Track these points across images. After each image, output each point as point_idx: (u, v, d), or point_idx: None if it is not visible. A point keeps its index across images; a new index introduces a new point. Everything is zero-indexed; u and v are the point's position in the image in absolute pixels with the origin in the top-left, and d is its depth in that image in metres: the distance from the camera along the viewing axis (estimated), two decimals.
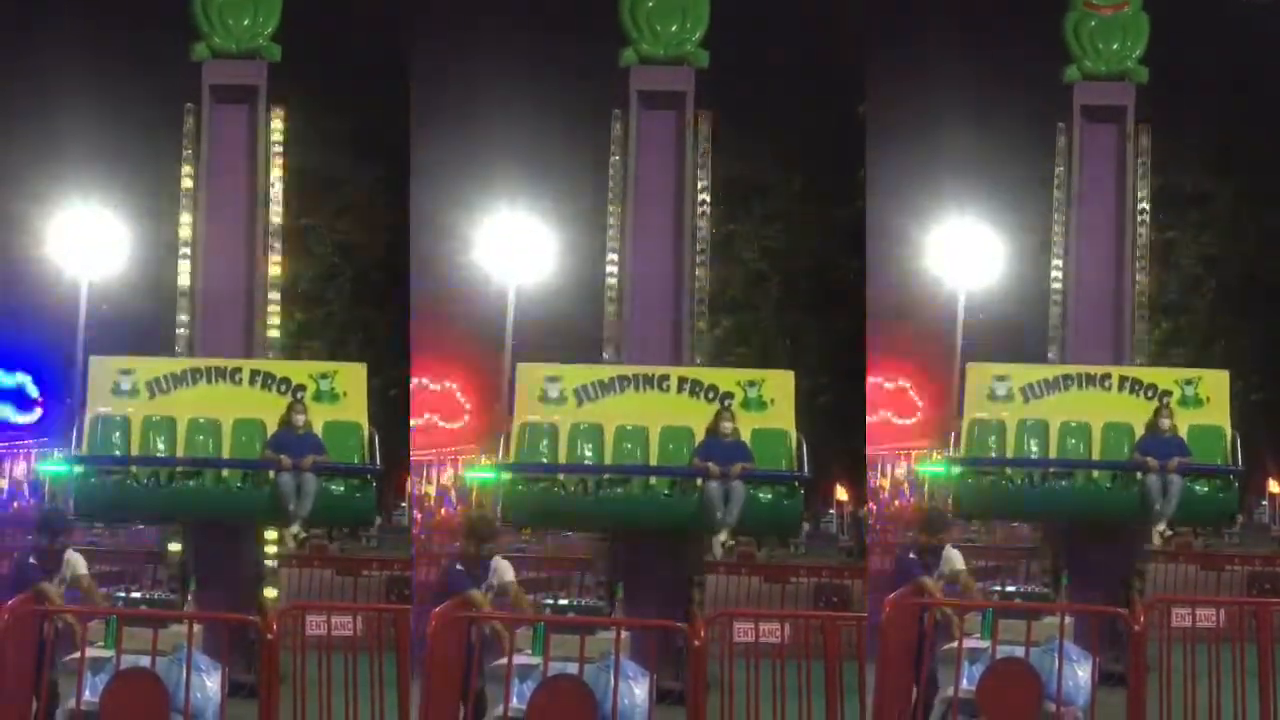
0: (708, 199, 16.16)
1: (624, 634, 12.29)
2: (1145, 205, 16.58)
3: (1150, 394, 15.39)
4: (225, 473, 14.81)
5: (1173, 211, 20.08)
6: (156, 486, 14.69)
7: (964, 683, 12.63)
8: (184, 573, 15.08)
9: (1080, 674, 12.66)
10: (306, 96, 16.37)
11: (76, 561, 13.09)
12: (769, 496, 14.90)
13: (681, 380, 15.18)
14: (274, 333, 15.79)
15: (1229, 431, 15.45)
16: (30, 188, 16.43)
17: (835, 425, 20.76)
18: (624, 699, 11.99)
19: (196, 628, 12.46)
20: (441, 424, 17.12)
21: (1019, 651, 12.62)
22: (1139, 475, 15.15)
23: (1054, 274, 16.61)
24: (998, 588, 15.16)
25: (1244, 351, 21.03)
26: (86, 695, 12.30)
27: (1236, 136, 20.47)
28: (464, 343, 16.42)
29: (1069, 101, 16.56)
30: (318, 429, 14.86)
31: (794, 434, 15.04)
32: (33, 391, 16.55)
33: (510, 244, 16.23)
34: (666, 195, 16.23)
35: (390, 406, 21.05)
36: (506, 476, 14.90)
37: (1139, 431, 15.40)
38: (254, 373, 14.97)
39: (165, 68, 16.22)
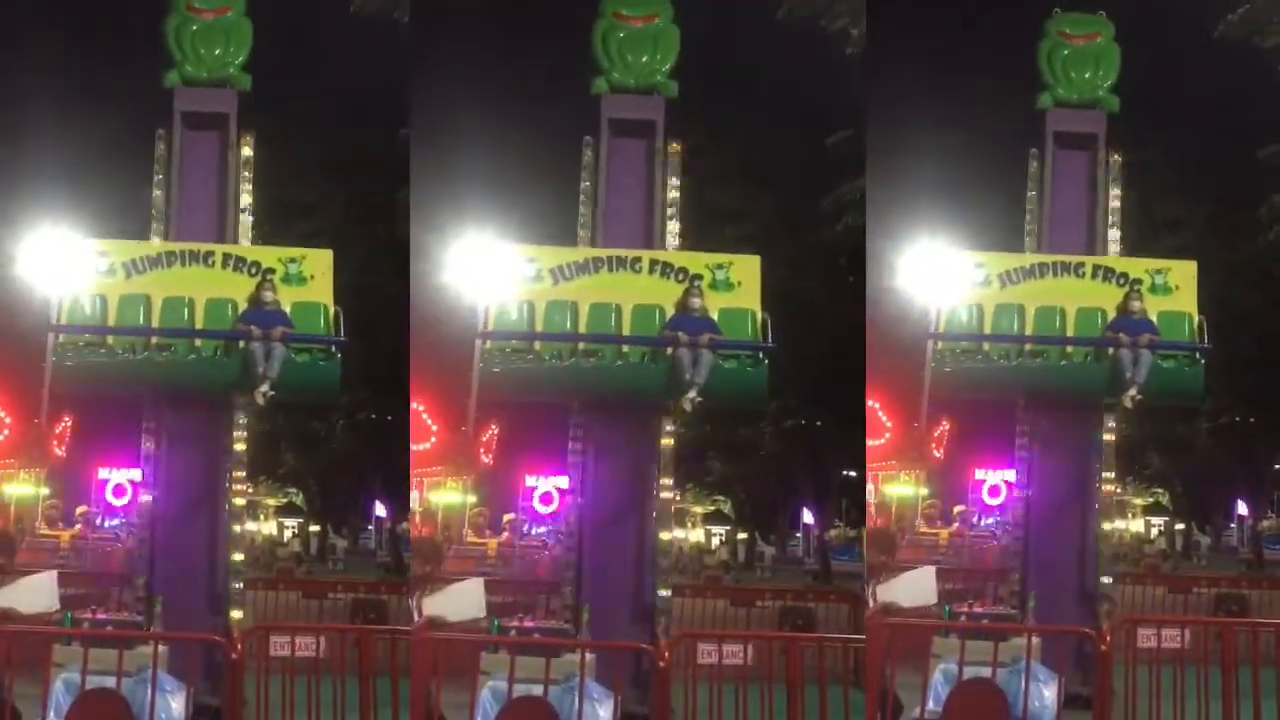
0: (677, 226, 16.23)
1: (589, 656, 12.28)
2: (1116, 231, 16.66)
3: (1122, 281, 15.95)
4: (198, 343, 15.31)
5: (1143, 238, 20.16)
6: (133, 357, 15.17)
7: (930, 703, 12.65)
8: (150, 593, 15.05)
9: (1046, 694, 12.73)
10: (276, 125, 16.41)
11: None
12: (735, 365, 15.37)
13: (653, 262, 15.67)
14: None
15: (1196, 317, 15.93)
16: (1, 212, 16.40)
17: (805, 448, 20.86)
18: None
19: (162, 649, 12.45)
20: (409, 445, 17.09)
21: (986, 672, 12.64)
22: (1110, 351, 15.67)
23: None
24: (965, 609, 15.15)
25: (1214, 376, 21.13)
26: (50, 716, 12.26)
27: (1206, 164, 20.59)
28: (432, 364, 16.39)
29: (1041, 128, 16.65)
30: (286, 309, 15.41)
31: (760, 313, 15.55)
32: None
33: (481, 268, 16.21)
34: (636, 221, 16.30)
35: (360, 431, 21.13)
36: (486, 346, 15.33)
37: (1111, 316, 15.93)
38: (226, 256, 15.46)
39: (137, 94, 16.25)
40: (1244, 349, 20.88)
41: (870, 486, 17.63)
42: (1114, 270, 16.02)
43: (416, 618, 13.10)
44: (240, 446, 15.82)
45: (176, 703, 12.32)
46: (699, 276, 15.55)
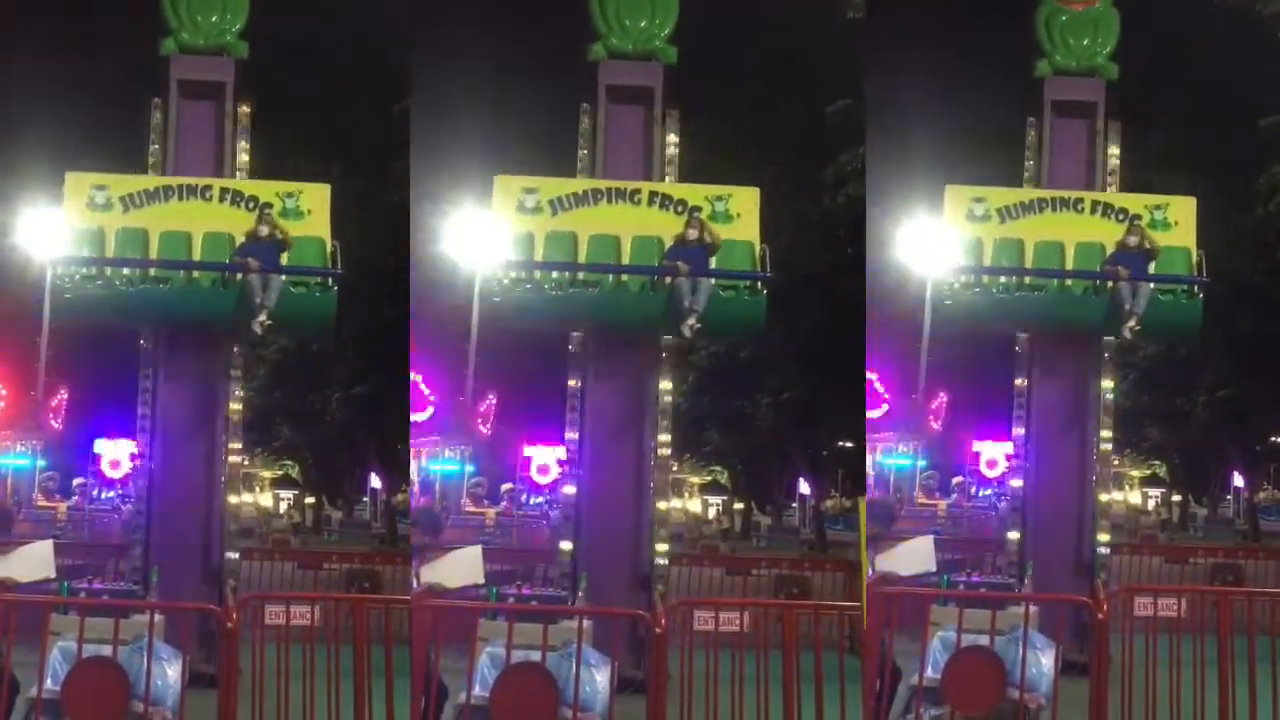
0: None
1: (586, 623, 12.29)
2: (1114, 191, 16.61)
3: (1121, 217, 16.00)
4: (196, 274, 15.34)
5: None
6: (131, 289, 15.21)
7: (928, 670, 12.64)
8: (146, 564, 15.05)
9: (1044, 662, 12.71)
10: (274, 94, 16.35)
11: None
12: (733, 294, 15.48)
13: (652, 194, 15.75)
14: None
15: (1195, 252, 15.96)
16: None
17: (801, 419, 20.87)
18: (586, 686, 12.02)
19: (158, 618, 12.44)
20: None
21: (983, 640, 12.65)
22: (1110, 285, 15.76)
23: None
24: (963, 578, 15.17)
25: (1214, 349, 21.12)
26: (48, 683, 12.26)
27: (1206, 134, 20.53)
28: (429, 335, 16.37)
29: (1039, 96, 16.59)
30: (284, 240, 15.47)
31: (759, 244, 15.63)
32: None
33: (476, 236, 16.19)
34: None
35: (356, 404, 21.14)
36: (486, 280, 15.40)
37: (1110, 251, 15.95)
38: (223, 190, 15.51)
39: (133, 62, 16.18)
40: (1243, 321, 20.89)
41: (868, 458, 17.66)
42: (1113, 206, 16.06)
43: (415, 585, 13.09)
44: (236, 419, 15.82)
45: (172, 670, 12.30)
46: (698, 208, 15.64)
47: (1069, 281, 15.94)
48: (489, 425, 17.85)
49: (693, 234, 15.51)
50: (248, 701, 12.36)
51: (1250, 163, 21.13)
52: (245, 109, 15.91)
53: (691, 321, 15.35)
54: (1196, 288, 15.84)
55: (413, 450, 16.60)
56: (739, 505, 21.13)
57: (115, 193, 15.43)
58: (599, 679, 12.11)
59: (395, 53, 16.44)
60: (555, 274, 15.50)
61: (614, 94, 16.13)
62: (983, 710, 12.65)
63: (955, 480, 18.36)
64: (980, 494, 18.25)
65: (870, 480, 17.46)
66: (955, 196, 16.12)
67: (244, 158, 15.91)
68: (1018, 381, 16.56)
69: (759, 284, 15.56)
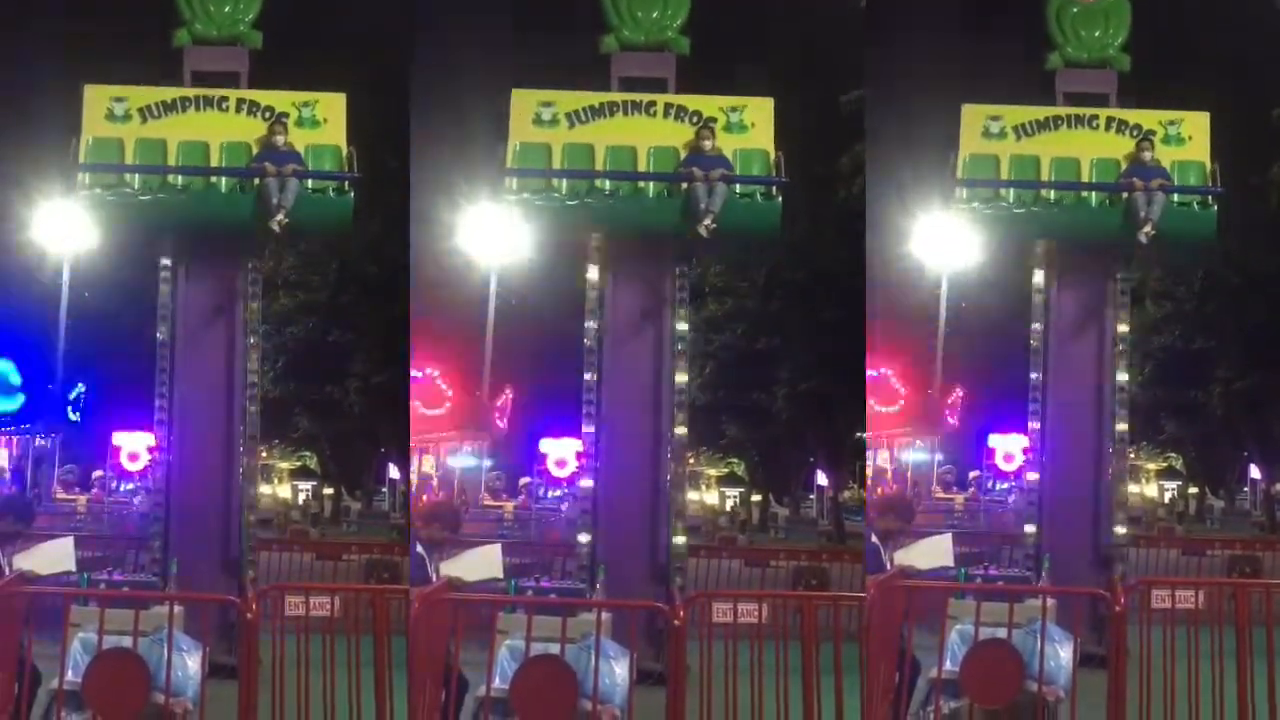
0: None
1: (605, 615, 12.31)
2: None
3: (1136, 133, 16.25)
4: (214, 180, 15.61)
5: None
6: (149, 198, 15.42)
7: (947, 664, 12.65)
8: (165, 555, 15.10)
9: (1062, 654, 12.71)
10: (287, 84, 16.37)
11: None
12: (748, 199, 15.73)
13: (668, 106, 15.95)
14: (254, 320, 15.95)
15: (1210, 165, 16.22)
16: (11, 175, 16.40)
17: (818, 411, 20.85)
18: (605, 678, 12.04)
19: (178, 609, 12.48)
20: (423, 410, 17.12)
21: (1001, 633, 12.65)
22: (1125, 195, 15.98)
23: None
24: (981, 572, 15.17)
25: (1229, 340, 21.10)
26: (69, 675, 12.31)
27: (1221, 126, 20.49)
28: (445, 329, 16.41)
29: (1052, 89, 16.57)
30: (299, 150, 15.66)
31: (773, 152, 15.89)
32: (15, 378, 16.57)
33: (492, 231, 16.20)
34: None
35: (374, 395, 21.12)
36: (508, 184, 15.65)
37: (1125, 165, 16.17)
38: (240, 100, 15.76)
39: (146, 54, 16.21)
40: (1258, 313, 20.87)
41: (870, 452, 17.65)
42: (1128, 122, 16.27)
43: (434, 579, 13.12)
44: (254, 409, 15.85)
45: (192, 661, 12.34)
46: (713, 119, 15.83)
47: (1085, 194, 16.15)
48: (506, 419, 17.88)
49: (707, 143, 15.70)
50: (268, 692, 12.39)
51: (1264, 151, 21.10)
52: None
53: (708, 222, 15.51)
54: (1211, 198, 16.03)
55: (430, 445, 16.63)
56: (756, 497, 21.13)
57: (134, 104, 15.62)
58: (618, 671, 12.13)
59: (400, 45, 16.45)
60: (572, 182, 15.72)
61: (626, 86, 16.15)
62: (1001, 703, 12.66)
63: (972, 475, 18.35)
64: (997, 488, 18.24)
65: (889, 475, 17.48)
66: (971, 115, 16.31)
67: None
68: (1033, 375, 16.56)
69: (774, 189, 15.74)
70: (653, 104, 15.93)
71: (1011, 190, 16.12)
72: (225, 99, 15.70)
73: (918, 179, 16.63)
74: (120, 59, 16.23)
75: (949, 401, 18.72)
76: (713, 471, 21.05)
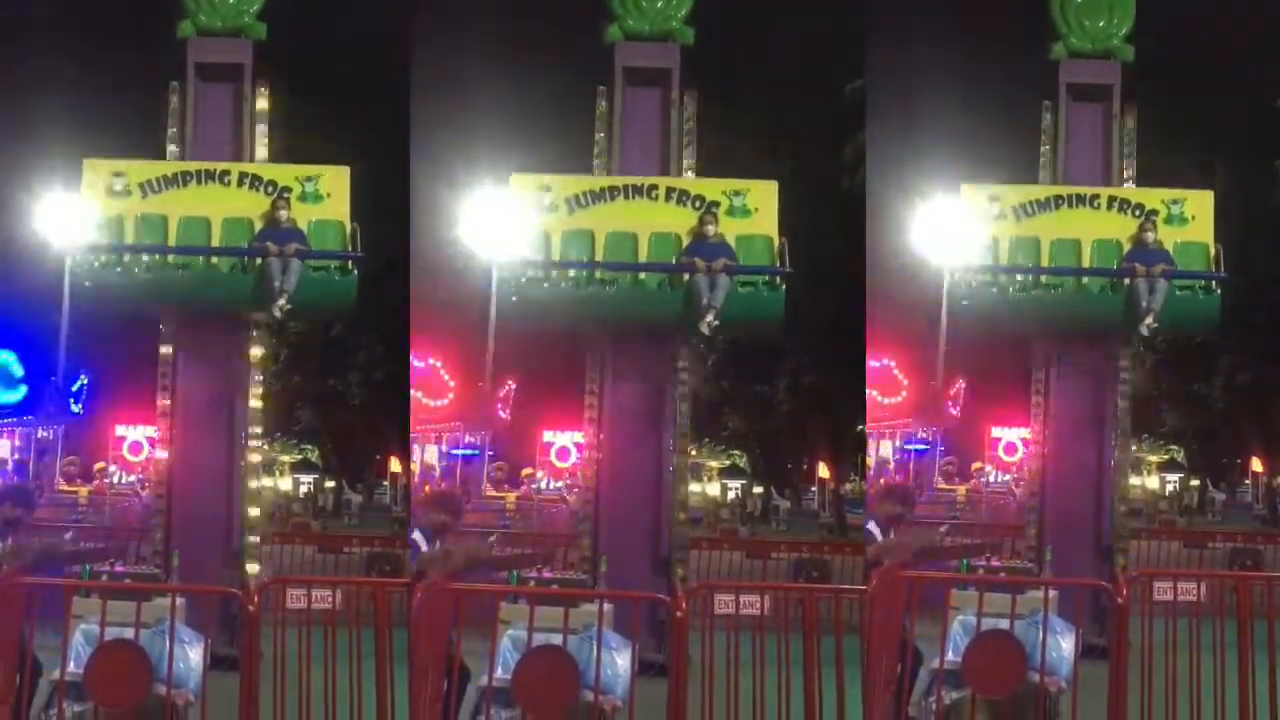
0: (693, 177, 16.16)
1: (607, 606, 12.32)
2: (1132, 185, 16.56)
3: (1138, 213, 16.00)
4: (215, 260, 15.41)
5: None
6: (149, 275, 15.28)
7: (949, 654, 12.65)
8: (167, 547, 15.10)
9: (1064, 645, 12.71)
10: (292, 76, 16.35)
11: None
12: (751, 290, 15.54)
13: (669, 190, 15.75)
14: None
15: (1213, 247, 15.97)
16: (15, 168, 16.39)
17: (820, 404, 20.83)
18: (607, 669, 12.04)
19: (179, 601, 12.48)
20: (426, 401, 17.14)
21: (1004, 624, 12.65)
22: (1126, 281, 15.77)
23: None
24: (983, 563, 15.19)
25: (1232, 333, 21.06)
26: (70, 666, 12.31)
27: (1225, 118, 20.46)
28: (448, 320, 16.40)
29: (1055, 79, 16.54)
30: (303, 227, 15.50)
31: (777, 238, 15.68)
32: (17, 370, 16.57)
33: (494, 221, 16.19)
34: (651, 173, 16.22)
35: (377, 388, 21.12)
36: (503, 276, 15.46)
37: (1126, 248, 15.97)
38: (242, 175, 15.56)
39: (150, 44, 16.19)
40: (1261, 305, 20.84)
41: (872, 442, 17.66)
42: (1130, 201, 16.07)
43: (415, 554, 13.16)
44: (256, 404, 15.84)
45: (194, 653, 12.34)
46: (715, 203, 15.65)
47: (1086, 279, 15.92)
48: (508, 410, 17.89)
49: (710, 229, 15.50)
50: (269, 684, 12.39)
51: (1270, 143, 21.06)
52: (263, 92, 15.90)
53: (710, 319, 15.35)
54: (1214, 283, 15.82)
55: (433, 436, 16.64)
56: (758, 489, 21.13)
57: (133, 179, 15.47)
58: (620, 662, 12.13)
59: (402, 34, 16.42)
60: (573, 272, 15.49)
61: (631, 76, 16.11)
62: (1003, 693, 12.66)
63: (974, 466, 18.36)
64: (999, 479, 18.26)
65: (891, 465, 17.49)
66: (970, 195, 16.09)
67: (262, 144, 15.90)
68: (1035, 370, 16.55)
69: (778, 279, 15.57)
70: (654, 188, 15.73)
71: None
72: (227, 173, 15.54)
73: (915, 169, 16.61)
74: (124, 50, 16.24)
75: (951, 392, 18.74)
76: (714, 463, 21.06)
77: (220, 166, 15.60)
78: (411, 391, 16.74)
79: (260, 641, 12.31)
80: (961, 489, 18.04)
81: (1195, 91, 19.28)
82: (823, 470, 20.43)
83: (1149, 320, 15.75)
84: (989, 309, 15.91)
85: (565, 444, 17.52)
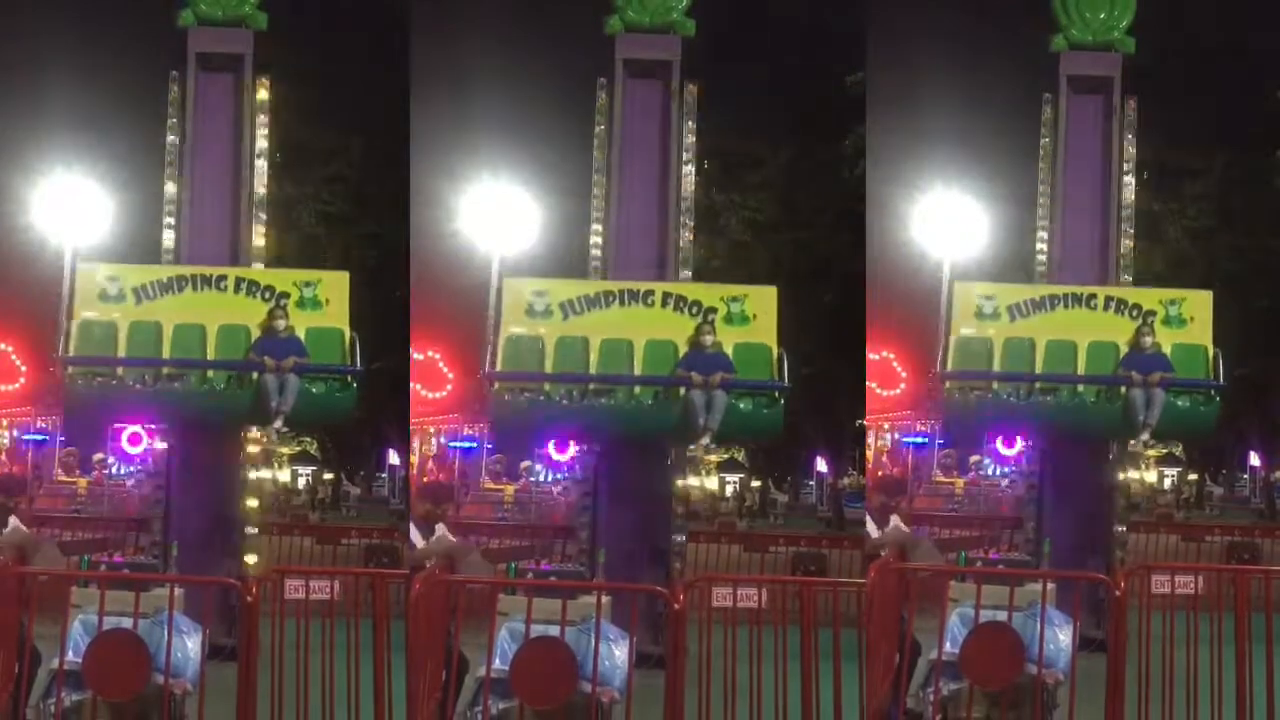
0: (693, 170, 16.14)
1: (605, 598, 12.32)
2: (1131, 178, 16.55)
3: (1135, 314, 15.69)
4: (210, 374, 15.04)
5: (1160, 185, 20.09)
6: (143, 388, 14.93)
7: (947, 646, 12.66)
8: (166, 538, 15.10)
9: (1061, 638, 12.72)
10: (292, 66, 16.34)
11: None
12: (749, 405, 15.15)
13: (666, 295, 15.47)
14: None
15: (1211, 350, 15.68)
16: (14, 156, 16.39)
17: (819, 397, 20.86)
18: (604, 660, 12.05)
19: (178, 591, 12.49)
20: (424, 393, 17.12)
21: (1002, 616, 12.66)
22: (1123, 390, 15.40)
23: (1039, 246, 16.61)
24: (981, 555, 15.21)
25: (1230, 327, 21.07)
26: (69, 655, 12.33)
27: (1226, 110, 20.47)
28: (447, 312, 16.40)
29: (1056, 71, 16.51)
30: (300, 335, 15.14)
31: (775, 348, 15.33)
32: (16, 360, 16.54)
33: (494, 214, 16.20)
34: (652, 166, 16.21)
35: (375, 380, 21.14)
36: (494, 387, 15.16)
37: (1123, 350, 15.66)
38: (239, 280, 15.21)
39: (150, 34, 16.16)
40: (1260, 298, 20.88)
41: (870, 435, 17.63)
42: (1127, 302, 15.73)
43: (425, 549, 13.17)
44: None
45: (192, 643, 12.36)
46: (713, 310, 15.29)
47: (1081, 386, 15.55)
48: None
49: (707, 339, 15.14)
50: (267, 674, 12.40)
51: (1270, 136, 21.08)
52: (264, 83, 15.87)
53: (706, 440, 15.03)
54: (1214, 391, 15.51)
55: (432, 428, 16.63)
56: (756, 483, 21.17)
57: (127, 283, 15.14)
58: (617, 654, 12.14)
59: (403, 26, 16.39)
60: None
61: (631, 68, 16.08)
62: (1001, 685, 12.66)
63: (973, 459, 18.33)
64: (997, 472, 18.23)
65: (886, 457, 17.46)
66: (963, 294, 15.88)
67: (263, 134, 15.87)
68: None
69: (777, 392, 15.20)
70: (650, 293, 15.41)
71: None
72: (224, 278, 15.15)
73: (916, 161, 16.60)
74: (124, 40, 16.21)
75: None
76: (713, 457, 21.09)
77: (216, 271, 15.21)
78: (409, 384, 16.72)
79: (258, 632, 12.30)
80: (960, 482, 18.00)
81: (1198, 85, 19.30)
82: (821, 464, 20.47)
83: (1145, 436, 15.42)
84: (983, 413, 15.59)
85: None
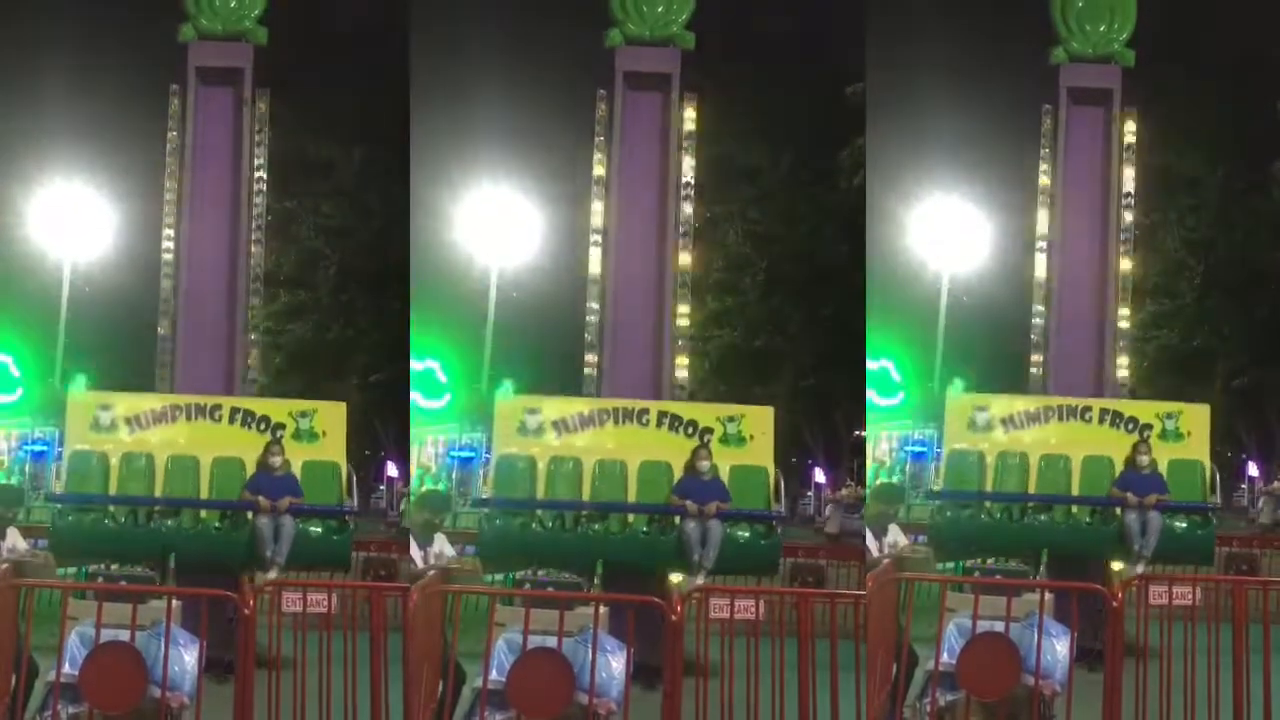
0: (692, 181, 16.16)
1: (602, 609, 12.31)
2: (1130, 189, 16.57)
3: (1131, 427, 15.44)
4: (204, 513, 14.81)
5: (1159, 196, 20.11)
6: (135, 526, 14.73)
7: (944, 656, 12.66)
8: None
9: (1059, 649, 12.70)
10: (291, 80, 16.39)
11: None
12: (747, 535, 14.96)
13: (661, 414, 15.24)
14: (255, 317, 15.90)
15: (1208, 466, 15.49)
16: (14, 168, 16.43)
17: (818, 408, 20.89)
18: (601, 671, 12.03)
19: (175, 603, 12.47)
20: (422, 402, 17.14)
21: (999, 626, 12.65)
22: (1118, 512, 15.19)
23: (1038, 256, 16.65)
24: (979, 564, 15.19)
25: (1228, 336, 21.12)
26: (66, 668, 12.31)
27: (1225, 121, 20.49)
28: (444, 322, 16.43)
29: (1055, 83, 16.54)
30: (296, 468, 14.90)
31: (773, 470, 15.12)
32: (14, 372, 16.57)
33: (493, 224, 16.23)
34: (651, 177, 16.25)
35: (374, 391, 21.19)
36: (486, 511, 15.05)
37: (1119, 465, 15.48)
38: (234, 410, 15.00)
39: (151, 48, 16.22)
40: (1260, 308, 20.88)
41: (869, 444, 17.63)
42: (1122, 415, 15.57)
43: (425, 566, 13.18)
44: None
45: (189, 656, 12.33)
46: (709, 430, 15.10)
47: (1074, 507, 15.35)
48: None
49: (703, 464, 14.94)
50: (264, 687, 12.39)
51: (1269, 147, 21.09)
52: (264, 96, 15.91)
53: (700, 578, 14.72)
54: (1211, 513, 15.34)
55: (430, 437, 16.63)
56: None
57: (120, 413, 15.00)
58: (614, 665, 12.13)
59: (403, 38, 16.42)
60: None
61: (631, 80, 16.14)
62: (998, 696, 12.65)
63: None
64: None
65: (886, 466, 17.46)
66: (956, 406, 15.72)
67: (262, 147, 15.91)
68: (1033, 369, 16.51)
69: (774, 522, 15.03)
70: (645, 412, 15.19)
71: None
72: (218, 408, 14.94)
73: (916, 171, 16.63)
74: (125, 53, 16.26)
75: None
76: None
77: (211, 401, 15.02)
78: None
79: (256, 644, 12.29)
80: None
81: (1197, 96, 19.32)
82: (819, 475, 20.49)
83: (1140, 567, 15.17)
84: (975, 535, 15.33)
85: None
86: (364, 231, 17.34)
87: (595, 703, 12.06)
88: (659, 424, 15.11)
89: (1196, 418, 15.54)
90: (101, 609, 12.27)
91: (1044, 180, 16.65)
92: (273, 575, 14.48)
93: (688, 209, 16.13)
